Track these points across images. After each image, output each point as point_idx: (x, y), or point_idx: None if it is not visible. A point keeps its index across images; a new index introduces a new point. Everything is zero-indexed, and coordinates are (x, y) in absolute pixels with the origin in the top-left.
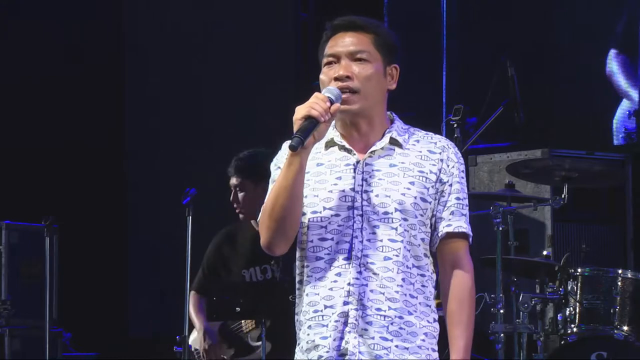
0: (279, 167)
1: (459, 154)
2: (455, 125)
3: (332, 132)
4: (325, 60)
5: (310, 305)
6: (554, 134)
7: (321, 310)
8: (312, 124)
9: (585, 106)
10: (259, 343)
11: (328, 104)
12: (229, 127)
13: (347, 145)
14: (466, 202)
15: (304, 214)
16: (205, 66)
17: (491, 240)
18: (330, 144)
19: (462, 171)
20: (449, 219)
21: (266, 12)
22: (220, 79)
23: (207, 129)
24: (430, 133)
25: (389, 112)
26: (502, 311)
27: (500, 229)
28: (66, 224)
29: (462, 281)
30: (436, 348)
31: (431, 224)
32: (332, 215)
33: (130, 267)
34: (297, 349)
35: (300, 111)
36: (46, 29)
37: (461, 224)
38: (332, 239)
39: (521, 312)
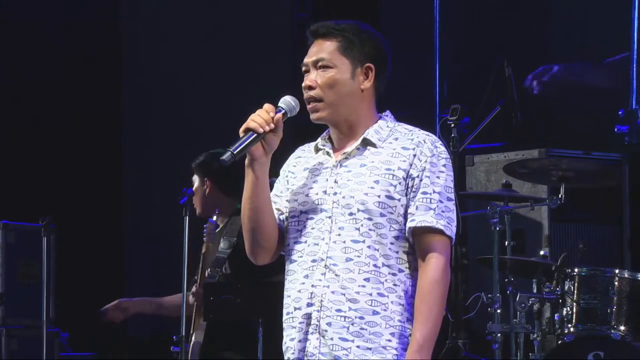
0: (284, 170)
1: (439, 148)
2: (452, 125)
3: (321, 137)
4: (302, 69)
5: (285, 307)
6: (551, 133)
7: (291, 313)
8: (250, 136)
9: (582, 106)
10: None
11: (272, 113)
12: (226, 127)
13: (328, 149)
14: (439, 197)
15: (286, 219)
16: (202, 67)
17: (488, 240)
18: (317, 148)
19: (444, 165)
20: (414, 214)
21: (264, 12)
22: (218, 79)
23: (204, 129)
24: (416, 129)
25: (384, 112)
26: (499, 311)
27: (497, 229)
28: (63, 224)
29: (427, 275)
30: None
31: (405, 220)
32: (306, 219)
33: (128, 267)
34: None
35: (245, 123)
36: (45, 29)
37: (425, 218)
38: (305, 242)
39: (518, 312)
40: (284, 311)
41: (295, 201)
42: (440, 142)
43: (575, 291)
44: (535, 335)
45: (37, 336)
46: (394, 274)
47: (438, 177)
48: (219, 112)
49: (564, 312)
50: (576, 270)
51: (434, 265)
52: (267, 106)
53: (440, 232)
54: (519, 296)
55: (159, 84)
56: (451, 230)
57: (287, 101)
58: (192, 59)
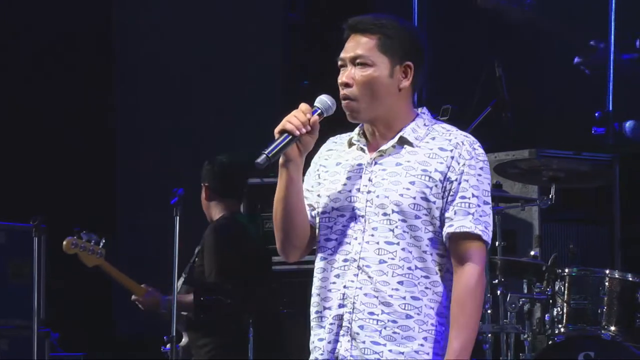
0: (315, 162)
1: (478, 150)
2: None
3: (355, 131)
4: (338, 63)
5: (313, 306)
6: (542, 134)
7: (320, 312)
8: (285, 138)
9: (573, 106)
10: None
11: (309, 115)
12: (218, 128)
13: (362, 145)
14: (477, 201)
15: (317, 214)
16: (194, 67)
17: None
18: (351, 143)
19: (481, 168)
20: (452, 219)
21: (255, 12)
22: (209, 79)
23: (196, 130)
24: (454, 129)
25: (420, 108)
26: (489, 311)
27: None
28: (55, 224)
29: (464, 282)
30: (442, 352)
31: (441, 223)
32: (337, 216)
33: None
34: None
35: (280, 124)
36: (41, 29)
37: (464, 224)
38: (335, 239)
39: (509, 312)
40: (312, 309)
41: (327, 197)
42: (478, 144)
43: (566, 291)
44: (525, 336)
45: (27, 336)
46: (427, 277)
47: (477, 181)
48: (210, 111)
49: (555, 313)
50: (567, 270)
51: (471, 272)
52: (303, 107)
53: (477, 237)
54: (510, 296)
55: (150, 85)
56: (488, 236)
57: (323, 101)
58: (183, 59)
